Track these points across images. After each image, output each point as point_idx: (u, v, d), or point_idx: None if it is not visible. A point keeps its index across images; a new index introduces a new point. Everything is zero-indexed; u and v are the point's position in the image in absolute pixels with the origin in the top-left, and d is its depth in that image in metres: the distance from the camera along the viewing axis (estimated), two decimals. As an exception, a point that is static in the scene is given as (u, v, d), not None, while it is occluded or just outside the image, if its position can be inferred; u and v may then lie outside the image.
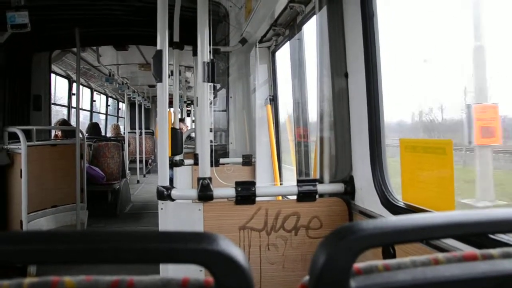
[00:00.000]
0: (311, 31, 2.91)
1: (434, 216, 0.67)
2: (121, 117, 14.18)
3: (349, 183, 2.10)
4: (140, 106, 13.01)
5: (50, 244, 0.54)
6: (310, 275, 0.61)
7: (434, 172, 1.53)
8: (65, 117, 7.88)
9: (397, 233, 0.64)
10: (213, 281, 0.58)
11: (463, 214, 0.68)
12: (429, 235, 0.67)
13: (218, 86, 5.28)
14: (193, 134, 5.51)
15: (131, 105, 13.13)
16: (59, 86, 8.11)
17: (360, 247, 0.61)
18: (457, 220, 0.66)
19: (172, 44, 3.68)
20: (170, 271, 1.85)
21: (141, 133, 12.66)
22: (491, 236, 1.24)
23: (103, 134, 10.10)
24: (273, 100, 3.91)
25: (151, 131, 14.50)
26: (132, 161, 11.73)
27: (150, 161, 13.51)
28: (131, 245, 0.55)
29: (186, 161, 3.88)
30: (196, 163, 3.85)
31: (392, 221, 0.65)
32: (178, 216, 2.11)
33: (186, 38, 3.79)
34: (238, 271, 0.57)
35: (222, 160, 4.01)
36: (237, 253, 0.57)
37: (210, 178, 2.03)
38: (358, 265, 0.65)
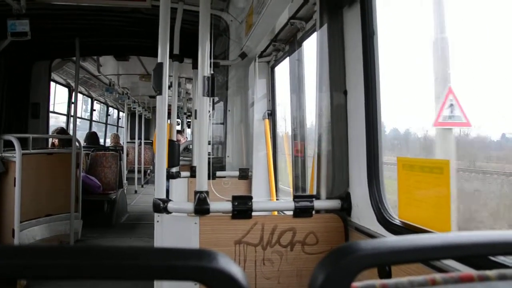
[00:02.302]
0: (311, 47, 2.95)
1: (433, 237, 0.67)
2: (121, 127, 14.18)
3: (346, 199, 2.10)
4: (140, 116, 13.01)
5: (47, 259, 0.54)
6: None
7: (431, 191, 1.53)
8: (65, 126, 7.86)
9: (396, 254, 0.64)
10: None
11: (461, 235, 0.68)
12: (427, 256, 0.67)
13: (216, 99, 5.30)
14: (190, 146, 5.51)
15: (132, 115, 13.15)
16: (63, 95, 8.15)
17: (358, 267, 0.61)
18: (455, 242, 0.67)
19: (172, 56, 3.70)
20: (164, 286, 1.83)
21: (140, 143, 12.64)
22: (490, 257, 1.24)
23: (101, 143, 10.09)
24: (271, 114, 3.93)
25: (151, 141, 14.45)
26: (131, 171, 11.69)
27: (148, 171, 13.46)
28: (129, 262, 0.55)
29: (183, 173, 3.87)
30: (192, 175, 3.84)
31: (391, 241, 0.65)
32: (174, 229, 2.10)
33: (186, 51, 3.82)
34: None
35: (218, 173, 4.00)
36: (237, 271, 0.57)
37: (207, 192, 2.03)
38: (356, 284, 0.65)
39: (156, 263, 0.55)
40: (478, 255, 0.73)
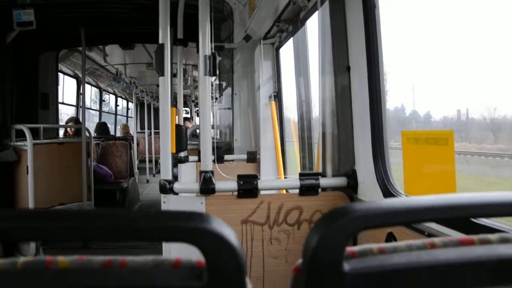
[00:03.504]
0: (315, 26, 2.91)
1: (428, 199, 0.66)
2: (130, 117, 14.20)
3: (352, 177, 2.09)
4: (149, 106, 13.00)
5: (44, 222, 0.55)
6: (303, 257, 0.61)
7: (436, 164, 1.52)
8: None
9: (390, 215, 0.63)
10: (204, 262, 0.58)
11: (458, 197, 0.67)
12: (422, 217, 0.66)
13: (224, 84, 5.29)
14: (198, 131, 5.51)
15: (141, 105, 13.15)
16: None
17: (352, 229, 0.61)
18: (452, 203, 0.66)
19: (176, 41, 3.70)
20: (172, 252, 1.86)
21: (150, 133, 12.64)
22: (474, 220, 1.24)
23: (111, 133, 10.13)
24: (277, 96, 3.91)
25: None
26: (142, 161, 11.72)
27: (159, 160, 13.41)
28: (120, 223, 0.55)
29: (191, 158, 3.89)
30: (200, 159, 3.85)
31: (386, 203, 0.65)
32: (181, 210, 2.11)
33: (190, 35, 3.80)
34: (229, 250, 0.57)
35: (226, 157, 4.00)
36: (229, 233, 0.57)
37: (212, 172, 2.04)
38: (352, 248, 0.65)
39: (145, 224, 0.55)
40: (477, 215, 0.72)
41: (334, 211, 0.63)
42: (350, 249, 0.64)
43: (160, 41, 2.09)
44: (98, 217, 0.56)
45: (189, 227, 0.56)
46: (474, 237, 0.69)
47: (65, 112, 8.68)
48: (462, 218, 0.93)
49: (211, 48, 2.16)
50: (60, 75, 7.00)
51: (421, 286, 0.63)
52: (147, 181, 11.06)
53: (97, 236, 0.55)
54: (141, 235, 0.56)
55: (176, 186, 2.07)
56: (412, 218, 0.66)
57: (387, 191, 1.82)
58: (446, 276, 0.63)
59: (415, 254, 0.65)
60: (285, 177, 3.71)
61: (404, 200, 0.65)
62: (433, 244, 0.68)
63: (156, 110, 13.88)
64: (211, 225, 0.56)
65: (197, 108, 14.12)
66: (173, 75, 3.15)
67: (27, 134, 4.39)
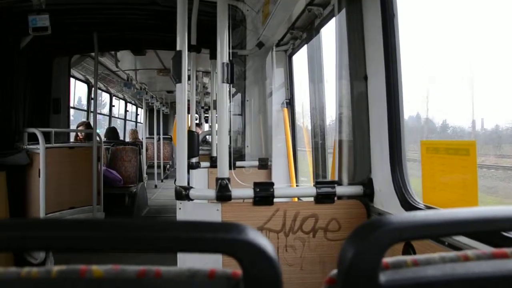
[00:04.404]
0: (330, 34, 2.91)
1: (465, 211, 0.65)
2: (140, 123, 14.29)
3: (368, 185, 2.08)
4: (158, 111, 13.08)
5: (82, 232, 0.54)
6: (338, 268, 0.61)
7: (456, 174, 1.51)
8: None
9: (427, 227, 0.62)
10: (241, 272, 0.57)
11: (490, 210, 0.66)
12: (461, 229, 0.65)
13: (234, 90, 5.30)
14: (208, 138, 5.52)
15: (150, 110, 13.24)
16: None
17: (389, 241, 0.60)
18: (487, 215, 0.65)
19: (189, 47, 3.71)
20: (187, 261, 1.85)
21: (159, 139, 12.71)
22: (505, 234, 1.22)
23: (121, 138, 10.18)
24: (290, 103, 3.91)
25: (169, 136, 14.47)
26: (150, 166, 11.80)
27: (168, 166, 13.56)
28: (158, 234, 0.55)
29: (202, 164, 3.90)
30: (212, 165, 3.86)
31: (422, 215, 0.64)
32: (196, 216, 2.11)
33: (203, 42, 3.82)
34: (267, 261, 0.56)
35: (238, 163, 4.01)
36: (266, 244, 0.57)
37: (228, 179, 2.04)
38: (386, 260, 0.64)
39: (184, 235, 0.55)
40: None
41: (370, 223, 0.62)
42: (384, 260, 0.63)
43: (178, 48, 2.09)
44: (136, 227, 0.55)
45: (228, 238, 0.55)
46: (507, 250, 0.68)
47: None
48: (498, 231, 0.92)
49: (229, 55, 2.16)
50: (71, 80, 7.05)
51: None
52: (155, 186, 11.10)
53: (136, 246, 0.54)
54: (177, 246, 0.55)
55: (192, 192, 2.07)
56: (452, 230, 0.65)
57: (405, 201, 1.80)
58: None
59: (449, 267, 0.64)
60: (297, 185, 3.70)
61: (442, 212, 0.65)
62: (467, 257, 0.67)
63: (165, 116, 13.96)
64: (249, 236, 0.56)
65: (206, 115, 14.18)
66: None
67: (40, 138, 4.42)
